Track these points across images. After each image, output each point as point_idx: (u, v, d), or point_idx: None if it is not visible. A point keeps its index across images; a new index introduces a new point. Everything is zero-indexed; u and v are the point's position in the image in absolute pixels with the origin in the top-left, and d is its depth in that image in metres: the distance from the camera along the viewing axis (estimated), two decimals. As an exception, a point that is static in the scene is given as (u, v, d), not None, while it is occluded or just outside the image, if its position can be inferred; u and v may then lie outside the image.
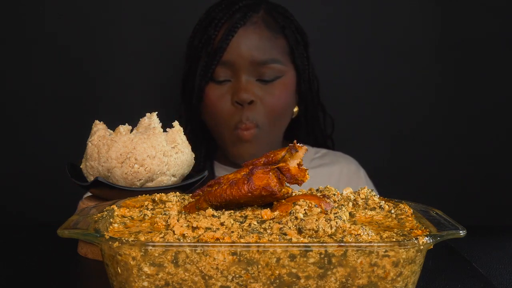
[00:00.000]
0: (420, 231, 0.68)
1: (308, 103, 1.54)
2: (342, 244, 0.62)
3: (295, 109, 1.51)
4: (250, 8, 1.44)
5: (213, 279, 0.62)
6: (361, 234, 0.64)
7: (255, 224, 0.66)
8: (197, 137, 1.52)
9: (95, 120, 0.98)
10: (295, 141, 0.74)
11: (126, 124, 0.96)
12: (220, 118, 1.43)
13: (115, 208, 0.76)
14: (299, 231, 0.64)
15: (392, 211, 0.76)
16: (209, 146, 1.54)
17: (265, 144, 1.44)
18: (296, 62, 1.47)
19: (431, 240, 0.64)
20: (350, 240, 0.63)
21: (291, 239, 0.63)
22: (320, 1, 1.67)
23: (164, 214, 0.73)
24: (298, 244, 0.62)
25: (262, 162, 0.74)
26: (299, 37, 1.48)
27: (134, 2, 1.68)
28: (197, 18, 1.51)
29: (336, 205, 0.75)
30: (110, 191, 0.92)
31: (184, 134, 1.53)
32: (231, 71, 1.41)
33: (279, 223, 0.66)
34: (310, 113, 1.56)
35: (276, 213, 0.69)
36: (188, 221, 0.67)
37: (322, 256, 0.62)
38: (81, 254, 0.93)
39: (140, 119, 0.97)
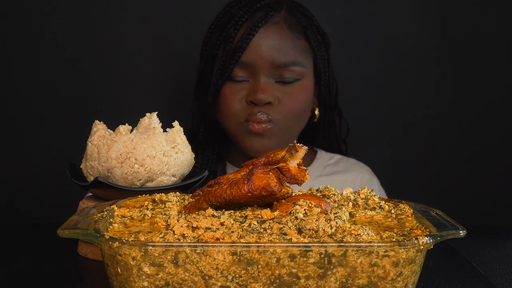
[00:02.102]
0: (420, 231, 0.68)
1: (326, 106, 1.50)
2: (342, 244, 0.62)
3: (317, 112, 1.48)
4: (272, 7, 1.40)
5: (213, 279, 0.62)
6: (361, 234, 0.64)
7: (255, 224, 0.66)
8: (211, 136, 1.49)
9: (95, 120, 0.98)
10: (294, 141, 0.74)
11: (126, 124, 0.96)
12: (232, 114, 1.39)
13: (115, 208, 0.76)
14: (299, 231, 0.64)
15: (392, 211, 0.76)
16: (221, 146, 1.52)
17: (281, 140, 1.40)
18: (317, 64, 1.44)
19: (431, 240, 0.64)
20: (350, 240, 0.63)
21: (291, 239, 0.63)
22: (319, 3, 1.67)
23: (164, 214, 0.73)
24: (298, 244, 0.62)
25: (262, 162, 0.74)
26: (320, 38, 1.44)
27: (134, 2, 1.68)
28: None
29: (336, 205, 0.75)
30: (110, 191, 0.92)
31: (197, 133, 1.51)
32: (250, 72, 1.37)
33: (279, 223, 0.66)
34: (328, 117, 1.52)
35: (276, 213, 0.69)
36: (188, 221, 0.67)
37: (322, 256, 0.62)
38: (81, 254, 0.93)
39: (140, 119, 0.97)
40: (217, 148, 1.50)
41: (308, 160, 1.53)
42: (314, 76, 1.44)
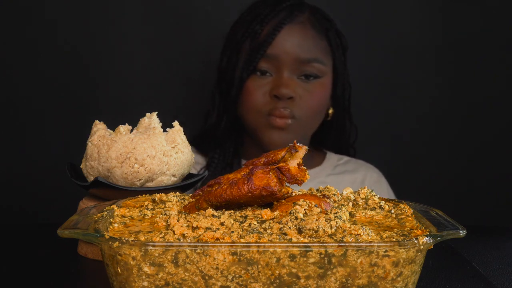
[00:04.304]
0: (420, 231, 0.68)
1: (339, 109, 1.55)
2: (342, 244, 0.62)
3: (330, 111, 1.53)
4: (296, 7, 1.46)
5: (213, 279, 0.62)
6: (361, 234, 0.64)
7: (255, 224, 0.66)
8: (231, 131, 1.53)
9: (95, 120, 0.98)
10: (294, 141, 0.74)
11: (126, 124, 0.96)
12: (255, 107, 1.44)
13: (115, 208, 0.76)
14: (299, 231, 0.64)
15: (392, 211, 0.76)
16: (237, 142, 1.55)
17: (299, 136, 1.45)
18: (336, 65, 1.49)
19: (431, 240, 0.64)
20: (350, 240, 0.63)
21: (291, 239, 0.63)
22: (318, 3, 1.67)
23: (164, 214, 0.73)
24: (298, 244, 0.62)
25: (262, 162, 0.74)
26: (338, 41, 1.50)
27: (134, 2, 1.68)
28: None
29: (336, 205, 0.75)
30: (110, 191, 0.92)
31: (218, 127, 1.55)
32: (274, 66, 1.43)
33: (279, 223, 0.66)
34: (340, 119, 1.57)
35: (276, 213, 0.69)
36: (188, 221, 0.67)
37: (322, 256, 0.62)
38: (81, 254, 0.93)
39: (140, 119, 0.97)
40: (233, 144, 1.54)
41: (318, 160, 1.58)
42: (332, 76, 1.49)
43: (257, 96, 1.43)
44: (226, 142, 1.53)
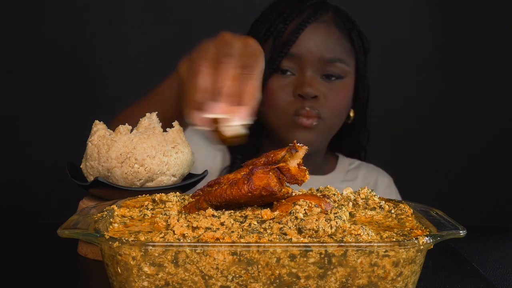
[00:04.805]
0: (420, 231, 0.68)
1: (359, 112, 1.53)
2: (342, 244, 0.62)
3: (352, 114, 1.51)
4: (320, 6, 1.45)
5: (213, 279, 0.62)
6: (361, 234, 0.64)
7: (255, 224, 0.66)
8: (252, 130, 1.51)
9: (95, 120, 0.98)
10: (295, 141, 0.74)
11: (126, 124, 0.96)
12: (279, 107, 1.42)
13: (115, 208, 0.75)
14: (299, 231, 0.64)
15: (392, 211, 0.76)
16: (257, 142, 1.53)
17: (323, 136, 1.43)
18: (358, 66, 1.47)
19: (431, 240, 0.64)
20: (350, 240, 0.63)
21: (291, 239, 0.63)
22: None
23: (164, 214, 0.73)
24: (298, 244, 0.62)
25: (262, 162, 0.74)
26: (360, 42, 1.49)
27: (134, 3, 1.68)
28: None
29: (336, 205, 0.75)
30: (110, 191, 0.92)
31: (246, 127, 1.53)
32: (297, 65, 1.41)
33: (279, 223, 0.66)
34: (358, 122, 1.55)
35: (276, 213, 0.69)
36: (188, 221, 0.67)
37: (322, 256, 0.62)
38: (81, 254, 0.93)
39: (140, 119, 0.97)
40: (252, 144, 1.52)
41: (332, 164, 1.56)
42: (354, 78, 1.48)
43: (281, 95, 1.41)
44: (248, 142, 1.52)
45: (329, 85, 1.42)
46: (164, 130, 0.96)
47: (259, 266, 0.62)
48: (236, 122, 0.84)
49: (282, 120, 1.42)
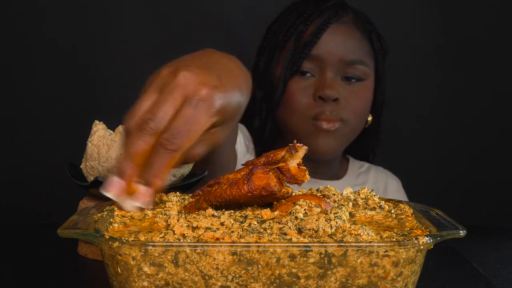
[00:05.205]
0: (420, 231, 0.68)
1: (376, 116, 1.51)
2: (342, 244, 0.62)
3: (369, 118, 1.49)
4: (340, 7, 1.43)
5: (213, 279, 0.62)
6: (361, 234, 0.64)
7: (255, 224, 0.66)
8: (274, 134, 1.47)
9: (95, 120, 0.98)
10: (295, 141, 0.74)
11: (126, 124, 0.96)
12: (298, 110, 1.39)
13: (115, 208, 0.75)
14: (299, 231, 0.64)
15: (392, 211, 0.76)
16: (270, 145, 1.51)
17: (345, 140, 1.41)
18: (378, 69, 1.46)
19: (431, 240, 0.64)
20: (350, 240, 0.63)
21: (291, 239, 0.63)
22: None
23: (164, 214, 0.73)
24: (298, 244, 0.62)
25: (262, 162, 0.74)
26: (379, 45, 1.47)
27: (134, 2, 1.68)
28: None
29: (336, 205, 0.75)
30: (110, 191, 0.92)
31: (265, 131, 1.45)
32: (318, 67, 1.38)
33: (279, 223, 0.66)
34: (375, 125, 1.53)
35: (276, 213, 0.69)
36: (188, 221, 0.67)
37: (322, 256, 0.62)
38: (81, 254, 0.93)
39: (140, 119, 0.97)
40: (265, 147, 1.50)
41: (343, 168, 1.55)
42: (374, 80, 1.46)
43: (301, 98, 1.38)
44: (269, 145, 1.48)
45: (350, 88, 1.39)
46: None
47: (259, 266, 0.62)
48: (132, 203, 0.73)
49: (302, 125, 1.39)
